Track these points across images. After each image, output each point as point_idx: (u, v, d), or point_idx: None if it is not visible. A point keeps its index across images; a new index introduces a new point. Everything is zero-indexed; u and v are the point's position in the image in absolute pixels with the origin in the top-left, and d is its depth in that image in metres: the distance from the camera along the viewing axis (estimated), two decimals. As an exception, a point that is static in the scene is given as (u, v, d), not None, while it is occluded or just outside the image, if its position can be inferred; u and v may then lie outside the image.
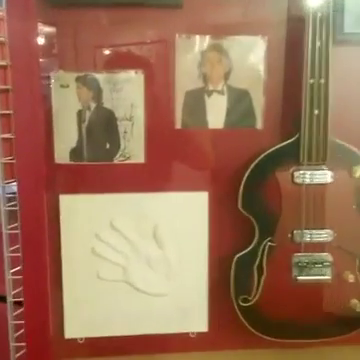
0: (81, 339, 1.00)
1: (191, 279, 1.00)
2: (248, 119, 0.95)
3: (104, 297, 0.99)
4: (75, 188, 0.96)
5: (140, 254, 0.98)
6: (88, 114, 0.92)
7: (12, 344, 0.97)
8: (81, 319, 0.99)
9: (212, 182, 0.97)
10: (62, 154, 0.94)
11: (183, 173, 0.97)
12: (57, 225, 0.95)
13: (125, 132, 0.93)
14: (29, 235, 0.85)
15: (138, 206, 0.96)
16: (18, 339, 0.97)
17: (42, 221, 0.85)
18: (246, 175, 0.91)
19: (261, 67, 0.93)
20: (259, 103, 0.94)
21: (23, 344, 0.91)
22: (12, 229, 0.93)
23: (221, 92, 0.93)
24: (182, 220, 0.97)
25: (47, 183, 0.88)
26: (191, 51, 0.91)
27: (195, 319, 1.02)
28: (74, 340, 1.00)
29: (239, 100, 0.93)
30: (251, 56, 0.92)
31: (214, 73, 0.92)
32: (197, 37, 0.91)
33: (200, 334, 1.02)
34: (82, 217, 0.96)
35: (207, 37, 0.91)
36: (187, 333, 1.02)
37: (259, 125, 0.95)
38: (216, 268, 1.00)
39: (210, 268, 0.99)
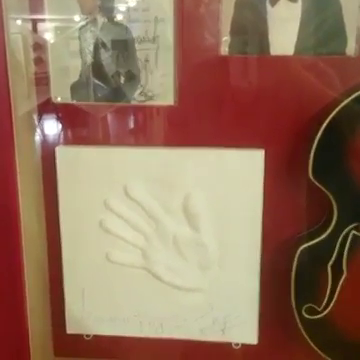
0: (88, 336, 0.79)
1: (235, 273, 0.73)
2: (334, 40, 0.68)
3: (116, 286, 0.76)
4: (78, 138, 0.74)
5: (165, 233, 0.73)
6: (94, 32, 0.68)
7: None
8: (86, 311, 0.77)
9: (271, 135, 0.71)
10: (61, 90, 0.71)
11: (230, 121, 0.72)
12: (54, 188, 0.73)
13: (147, 60, 0.69)
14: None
15: (163, 167, 0.71)
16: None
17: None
18: (323, 127, 0.64)
19: None
20: (353, 16, 0.66)
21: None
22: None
23: (292, -2, 0.67)
24: (225, 189, 0.71)
25: (41, 130, 0.74)
26: None
27: (240, 326, 0.75)
28: (80, 336, 0.79)
29: (321, 10, 0.66)
30: None
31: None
32: None
33: (246, 347, 0.77)
34: (86, 178, 0.72)
35: None
36: (229, 343, 0.78)
37: (351, 50, 0.67)
38: (271, 261, 0.75)
39: (263, 260, 0.73)
